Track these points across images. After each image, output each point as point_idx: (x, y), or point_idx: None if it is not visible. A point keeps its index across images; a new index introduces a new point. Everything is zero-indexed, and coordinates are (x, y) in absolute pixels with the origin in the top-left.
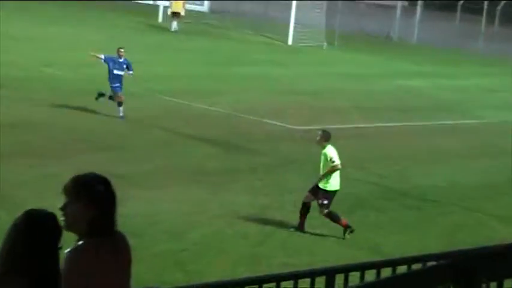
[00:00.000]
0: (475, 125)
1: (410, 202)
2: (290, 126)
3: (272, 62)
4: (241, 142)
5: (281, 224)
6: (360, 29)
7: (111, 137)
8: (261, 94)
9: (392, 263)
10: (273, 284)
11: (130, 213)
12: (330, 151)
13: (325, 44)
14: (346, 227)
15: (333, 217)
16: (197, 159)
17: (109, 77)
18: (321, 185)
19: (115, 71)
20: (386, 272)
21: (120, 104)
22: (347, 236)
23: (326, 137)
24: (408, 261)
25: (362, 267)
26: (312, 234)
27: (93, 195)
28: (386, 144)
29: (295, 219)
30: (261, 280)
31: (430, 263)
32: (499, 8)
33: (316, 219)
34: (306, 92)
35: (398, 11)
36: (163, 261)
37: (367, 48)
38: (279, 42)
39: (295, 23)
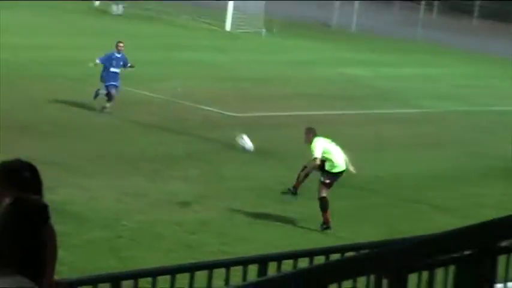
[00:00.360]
0: (415, 114)
1: (349, 192)
2: (228, 113)
3: (211, 48)
4: (180, 129)
5: (217, 212)
6: (299, 16)
7: (48, 124)
8: (199, 80)
9: (326, 251)
10: (206, 272)
11: (67, 199)
12: (314, 145)
13: (263, 30)
14: (326, 223)
15: (324, 205)
16: (136, 146)
17: (103, 75)
18: (326, 168)
19: (111, 69)
20: (319, 261)
21: (110, 99)
22: (320, 229)
23: (311, 133)
24: (341, 249)
25: (295, 256)
26: (249, 223)
27: (20, 181)
28: (328, 133)
29: (231, 206)
30: (194, 267)
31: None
32: None
33: (254, 207)
34: (245, 78)
35: None
36: (98, 247)
37: (306, 35)
38: (218, 28)
39: (234, 10)
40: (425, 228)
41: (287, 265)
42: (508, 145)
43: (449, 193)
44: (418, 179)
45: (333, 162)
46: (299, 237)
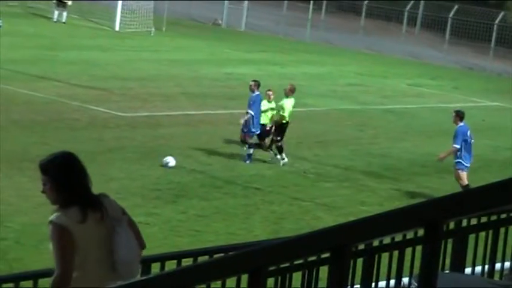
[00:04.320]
0: (301, 113)
1: (236, 190)
2: (115, 113)
3: (98, 47)
4: (65, 129)
5: None
6: (188, 15)
7: None
8: (85, 80)
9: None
10: None
11: None
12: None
13: (153, 29)
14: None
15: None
16: (20, 146)
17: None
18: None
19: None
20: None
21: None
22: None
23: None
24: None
25: (178, 256)
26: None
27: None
28: (214, 132)
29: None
30: None
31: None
32: None
33: (140, 208)
34: (133, 78)
35: None
36: None
37: (196, 35)
38: (106, 28)
39: (122, 8)
40: (312, 225)
41: (172, 264)
42: (392, 143)
43: (335, 191)
44: (304, 177)
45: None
46: (185, 236)
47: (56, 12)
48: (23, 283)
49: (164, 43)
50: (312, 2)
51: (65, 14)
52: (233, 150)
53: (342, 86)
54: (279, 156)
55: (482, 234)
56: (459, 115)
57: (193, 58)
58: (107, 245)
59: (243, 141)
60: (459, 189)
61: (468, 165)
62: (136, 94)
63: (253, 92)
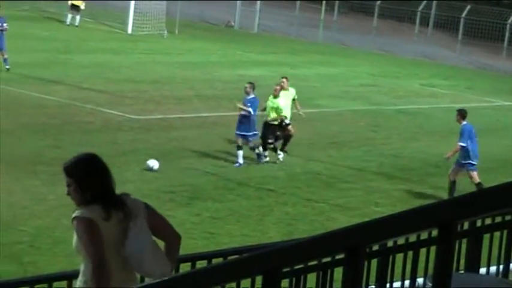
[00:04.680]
0: (314, 114)
1: (249, 192)
2: (129, 116)
3: (111, 50)
4: (79, 132)
5: None
6: (201, 17)
7: None
8: (99, 83)
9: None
10: None
11: None
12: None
13: (165, 32)
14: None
15: None
16: (34, 150)
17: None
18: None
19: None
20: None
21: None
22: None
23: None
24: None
25: (192, 259)
26: None
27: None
28: (226, 134)
29: None
30: None
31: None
32: None
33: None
34: (146, 80)
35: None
36: None
37: (208, 37)
38: (119, 31)
39: (135, 11)
40: (326, 227)
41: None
42: (405, 143)
43: (348, 192)
44: (318, 179)
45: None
46: (199, 239)
47: (69, 16)
48: (37, 286)
49: (177, 45)
50: (324, 2)
51: (78, 17)
52: (245, 152)
53: (354, 87)
54: (267, 153)
55: (497, 234)
56: (462, 114)
57: (206, 60)
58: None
59: (252, 148)
60: (472, 190)
61: (476, 163)
62: (150, 97)
63: (248, 94)
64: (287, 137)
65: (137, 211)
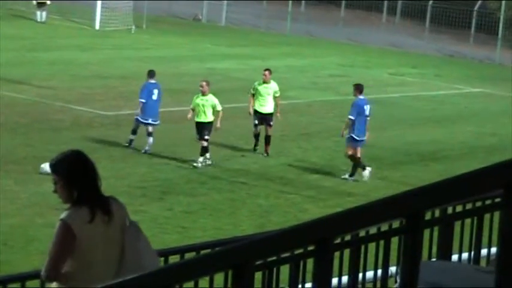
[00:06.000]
0: (284, 106)
1: (222, 185)
2: (99, 112)
3: (79, 46)
4: (49, 130)
5: None
6: (169, 11)
7: None
8: (67, 80)
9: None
10: None
11: None
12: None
13: (133, 27)
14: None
15: None
16: (4, 149)
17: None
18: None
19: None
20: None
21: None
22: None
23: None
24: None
25: (165, 254)
26: None
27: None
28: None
29: None
30: None
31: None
32: None
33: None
34: (115, 76)
35: None
36: None
37: (176, 31)
38: (86, 27)
39: (102, 7)
40: (299, 218)
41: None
42: (375, 133)
43: (320, 183)
44: (292, 171)
45: None
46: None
47: (38, 13)
48: (10, 286)
49: (145, 40)
50: None
51: (44, 14)
52: (217, 145)
53: (323, 78)
54: (201, 159)
55: (468, 221)
56: (359, 88)
57: (174, 54)
58: (114, 247)
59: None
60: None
61: (360, 139)
62: (119, 92)
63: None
64: (267, 138)
65: (123, 220)
